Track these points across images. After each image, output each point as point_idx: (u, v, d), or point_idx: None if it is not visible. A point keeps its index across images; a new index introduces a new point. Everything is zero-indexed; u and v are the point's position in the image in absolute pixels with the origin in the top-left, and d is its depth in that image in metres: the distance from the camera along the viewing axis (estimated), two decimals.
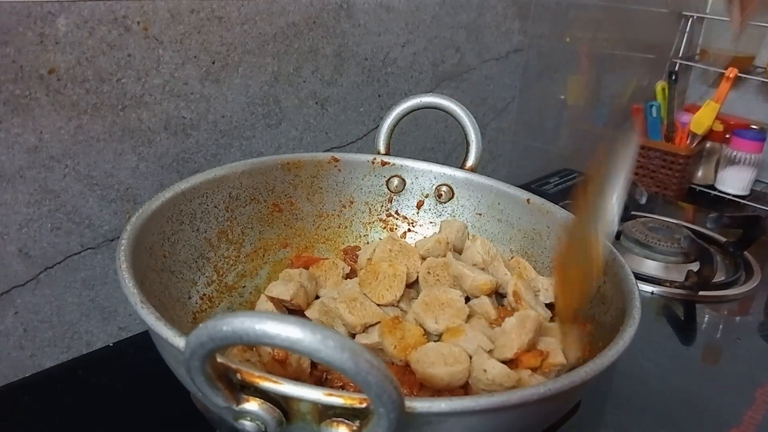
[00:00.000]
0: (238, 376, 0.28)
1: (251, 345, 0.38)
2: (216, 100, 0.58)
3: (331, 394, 0.27)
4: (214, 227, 0.50)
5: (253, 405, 0.29)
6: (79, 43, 0.48)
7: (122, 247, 0.38)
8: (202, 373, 0.27)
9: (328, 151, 0.71)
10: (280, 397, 0.28)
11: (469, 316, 0.45)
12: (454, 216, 0.59)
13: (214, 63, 0.57)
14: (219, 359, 0.28)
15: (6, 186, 0.47)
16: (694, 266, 0.72)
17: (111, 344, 0.56)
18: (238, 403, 0.29)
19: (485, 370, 0.38)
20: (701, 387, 0.56)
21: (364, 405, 0.27)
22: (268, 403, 0.29)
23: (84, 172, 0.51)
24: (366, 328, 0.45)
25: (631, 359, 0.57)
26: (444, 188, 0.59)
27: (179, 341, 0.30)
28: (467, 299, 0.47)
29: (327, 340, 0.23)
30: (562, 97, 1.10)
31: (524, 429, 0.34)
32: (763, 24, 1.25)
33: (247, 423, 0.29)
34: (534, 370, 0.40)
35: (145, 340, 0.35)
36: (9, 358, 0.51)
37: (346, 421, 0.28)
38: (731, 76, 1.22)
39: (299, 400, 0.28)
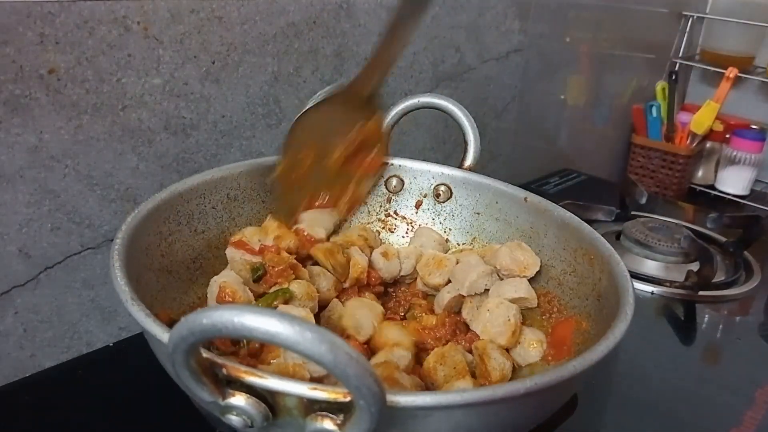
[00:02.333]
0: (224, 370, 0.28)
1: (231, 337, 0.38)
2: (216, 100, 0.58)
3: (315, 389, 0.28)
4: (212, 228, 0.50)
5: (239, 399, 0.29)
6: (79, 43, 0.48)
7: (116, 247, 0.38)
8: (186, 368, 0.27)
9: None
10: (266, 391, 0.29)
11: None
12: (452, 215, 0.59)
13: (214, 63, 0.57)
14: (204, 354, 0.28)
15: (6, 186, 0.47)
16: (694, 266, 0.72)
17: (111, 344, 0.56)
18: (224, 397, 0.29)
19: None
20: (701, 387, 0.56)
21: (347, 399, 0.27)
22: (254, 398, 0.29)
23: (84, 172, 0.51)
24: None
25: (631, 359, 0.57)
26: (442, 188, 0.59)
27: (166, 336, 0.30)
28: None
29: (305, 333, 0.23)
30: (562, 97, 1.10)
31: (515, 424, 0.34)
32: (763, 24, 1.25)
33: (233, 417, 0.29)
34: None
35: (145, 340, 0.35)
36: (9, 358, 0.51)
37: (331, 415, 0.28)
38: (731, 76, 1.22)
39: (285, 394, 0.28)
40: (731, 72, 1.22)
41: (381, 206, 0.60)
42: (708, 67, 1.37)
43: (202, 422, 0.40)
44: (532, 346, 0.46)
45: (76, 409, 0.47)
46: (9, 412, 0.47)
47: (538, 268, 0.51)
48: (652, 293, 0.69)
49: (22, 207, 0.48)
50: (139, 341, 0.56)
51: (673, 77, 1.30)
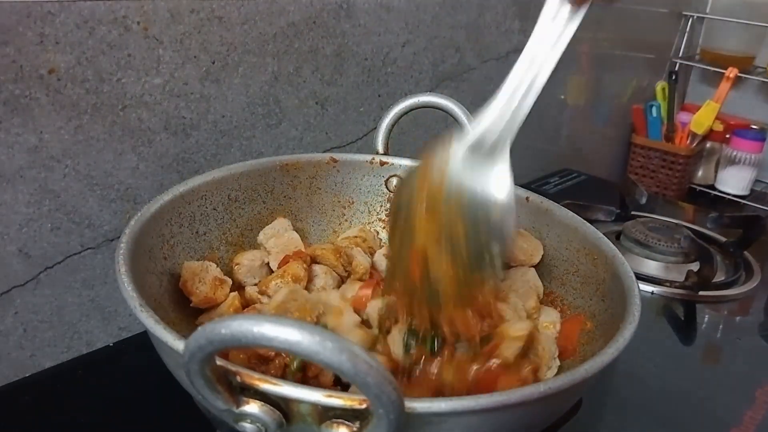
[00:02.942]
0: (238, 378, 0.28)
1: (249, 347, 0.38)
2: (216, 100, 0.58)
3: (331, 396, 0.27)
4: (213, 229, 0.50)
5: (253, 407, 0.29)
6: (79, 43, 0.48)
7: (121, 251, 0.38)
8: (201, 376, 0.27)
9: (327, 151, 0.71)
10: (280, 398, 0.28)
11: None
12: None
13: (214, 63, 0.57)
14: (218, 362, 0.28)
15: (6, 186, 0.47)
16: (694, 266, 0.72)
17: (111, 344, 0.56)
18: (238, 405, 0.29)
19: None
20: (701, 387, 0.56)
21: (363, 406, 0.27)
22: (268, 405, 0.29)
23: (84, 172, 0.51)
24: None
25: (631, 359, 0.57)
26: None
27: (179, 344, 0.30)
28: None
29: (325, 342, 0.23)
30: (562, 97, 1.10)
31: (527, 427, 0.34)
32: (763, 24, 1.25)
33: (247, 425, 0.29)
34: None
35: (145, 340, 0.35)
36: (9, 358, 0.51)
37: (346, 422, 0.28)
38: (731, 76, 1.22)
39: (299, 401, 0.28)
40: (731, 72, 1.22)
41: (381, 206, 0.60)
42: (708, 67, 1.37)
43: (202, 422, 0.40)
44: (547, 328, 0.47)
45: (76, 409, 0.47)
46: (9, 412, 0.47)
47: (542, 252, 0.51)
48: (652, 293, 0.69)
49: (22, 207, 0.48)
50: (139, 341, 0.56)
51: (673, 77, 1.30)
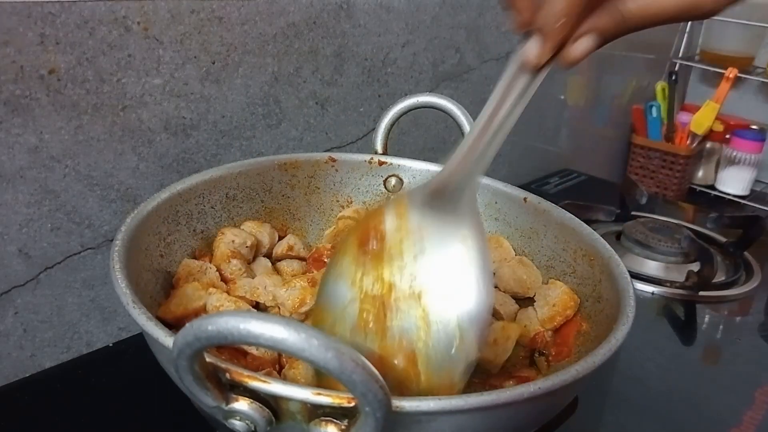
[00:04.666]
0: (227, 375, 0.28)
1: (236, 344, 0.38)
2: (216, 100, 0.58)
3: (319, 394, 0.28)
4: (210, 228, 0.50)
5: (242, 404, 0.29)
6: (80, 43, 0.48)
7: (116, 248, 0.38)
8: (190, 373, 0.27)
9: (327, 151, 0.71)
10: (270, 396, 0.28)
11: None
12: None
13: (214, 63, 0.57)
14: (208, 358, 0.28)
15: (6, 186, 0.47)
16: (695, 266, 0.72)
17: (111, 344, 0.56)
18: (228, 402, 0.29)
19: None
20: (701, 387, 0.56)
21: (352, 404, 0.27)
22: (258, 403, 0.29)
23: (84, 172, 0.51)
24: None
25: (631, 359, 0.57)
26: None
27: (169, 341, 0.30)
28: None
29: (311, 339, 0.23)
30: (562, 97, 1.10)
31: (517, 427, 0.34)
32: (763, 24, 1.25)
33: (236, 422, 0.29)
34: None
35: (145, 341, 0.35)
36: (9, 358, 0.51)
37: (335, 420, 0.28)
38: (731, 76, 1.22)
39: (288, 399, 0.28)
40: (731, 72, 1.22)
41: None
42: (708, 68, 1.37)
43: (201, 423, 0.40)
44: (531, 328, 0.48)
45: (76, 409, 0.47)
46: (9, 412, 0.47)
47: (540, 285, 0.51)
48: (653, 293, 0.69)
49: (22, 207, 0.48)
50: (139, 341, 0.55)
51: (673, 77, 1.30)
